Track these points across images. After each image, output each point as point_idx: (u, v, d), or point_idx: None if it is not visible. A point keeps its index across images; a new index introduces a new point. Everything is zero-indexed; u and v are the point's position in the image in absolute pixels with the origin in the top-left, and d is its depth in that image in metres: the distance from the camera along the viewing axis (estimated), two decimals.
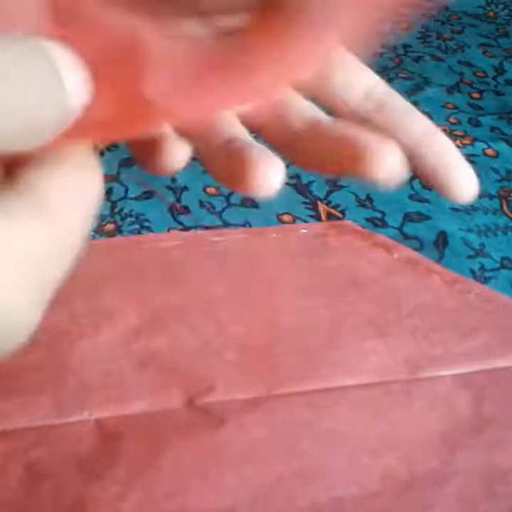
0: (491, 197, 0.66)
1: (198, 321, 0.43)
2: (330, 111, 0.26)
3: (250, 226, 0.59)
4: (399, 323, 0.47)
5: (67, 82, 0.18)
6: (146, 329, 0.43)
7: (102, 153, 0.66)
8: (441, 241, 0.59)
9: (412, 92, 0.81)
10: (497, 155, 0.72)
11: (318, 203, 0.62)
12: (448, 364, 0.40)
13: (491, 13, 1.02)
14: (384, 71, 0.85)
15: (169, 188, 0.62)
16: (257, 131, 0.25)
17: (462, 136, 0.74)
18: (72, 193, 0.19)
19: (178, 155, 0.23)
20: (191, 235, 0.57)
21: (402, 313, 0.48)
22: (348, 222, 0.59)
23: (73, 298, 0.44)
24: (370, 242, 0.55)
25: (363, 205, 0.63)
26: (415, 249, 0.58)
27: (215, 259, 0.51)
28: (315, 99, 0.26)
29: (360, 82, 0.29)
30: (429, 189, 0.67)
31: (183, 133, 0.23)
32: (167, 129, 0.23)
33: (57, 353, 0.40)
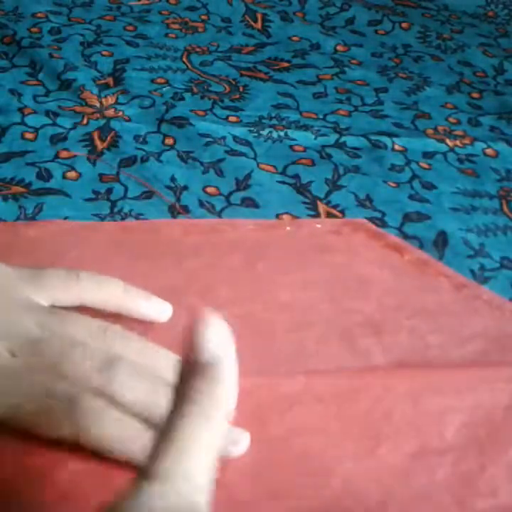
0: (491, 197, 0.66)
1: (195, 304, 0.44)
2: None
3: None
4: (397, 323, 0.47)
5: None
6: None
7: (102, 153, 0.66)
8: (441, 241, 0.59)
9: (412, 92, 0.81)
10: (497, 155, 0.72)
11: (318, 202, 0.62)
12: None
13: (491, 13, 1.02)
14: (384, 71, 0.85)
15: (169, 187, 0.62)
16: None
17: (462, 136, 0.74)
18: None
19: None
20: (201, 221, 0.57)
21: (403, 314, 0.48)
22: (363, 220, 0.59)
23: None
24: (382, 242, 0.55)
25: (363, 205, 0.62)
26: None
27: (222, 248, 0.51)
28: None
29: None
30: (430, 189, 0.67)
31: None
32: None
33: None
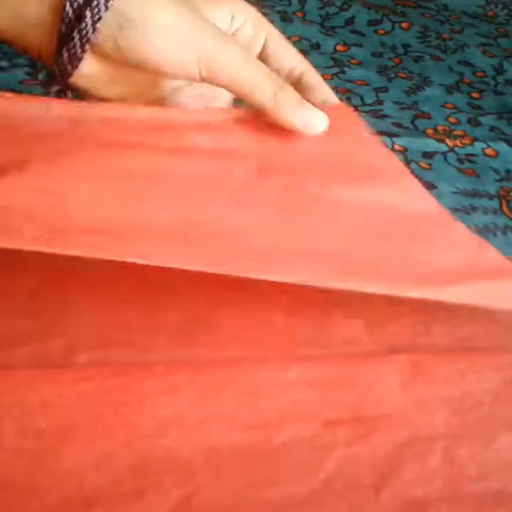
0: (491, 197, 0.66)
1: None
2: None
3: None
4: (387, 310, 0.47)
5: None
6: None
7: None
8: None
9: (412, 91, 0.81)
10: (497, 155, 0.72)
11: None
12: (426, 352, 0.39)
13: (491, 13, 1.02)
14: (384, 71, 0.85)
15: None
16: None
17: (462, 136, 0.74)
18: None
19: None
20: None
21: (393, 300, 0.48)
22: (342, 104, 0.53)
23: None
24: None
25: None
26: None
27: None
28: None
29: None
30: (429, 189, 0.67)
31: None
32: None
33: None
